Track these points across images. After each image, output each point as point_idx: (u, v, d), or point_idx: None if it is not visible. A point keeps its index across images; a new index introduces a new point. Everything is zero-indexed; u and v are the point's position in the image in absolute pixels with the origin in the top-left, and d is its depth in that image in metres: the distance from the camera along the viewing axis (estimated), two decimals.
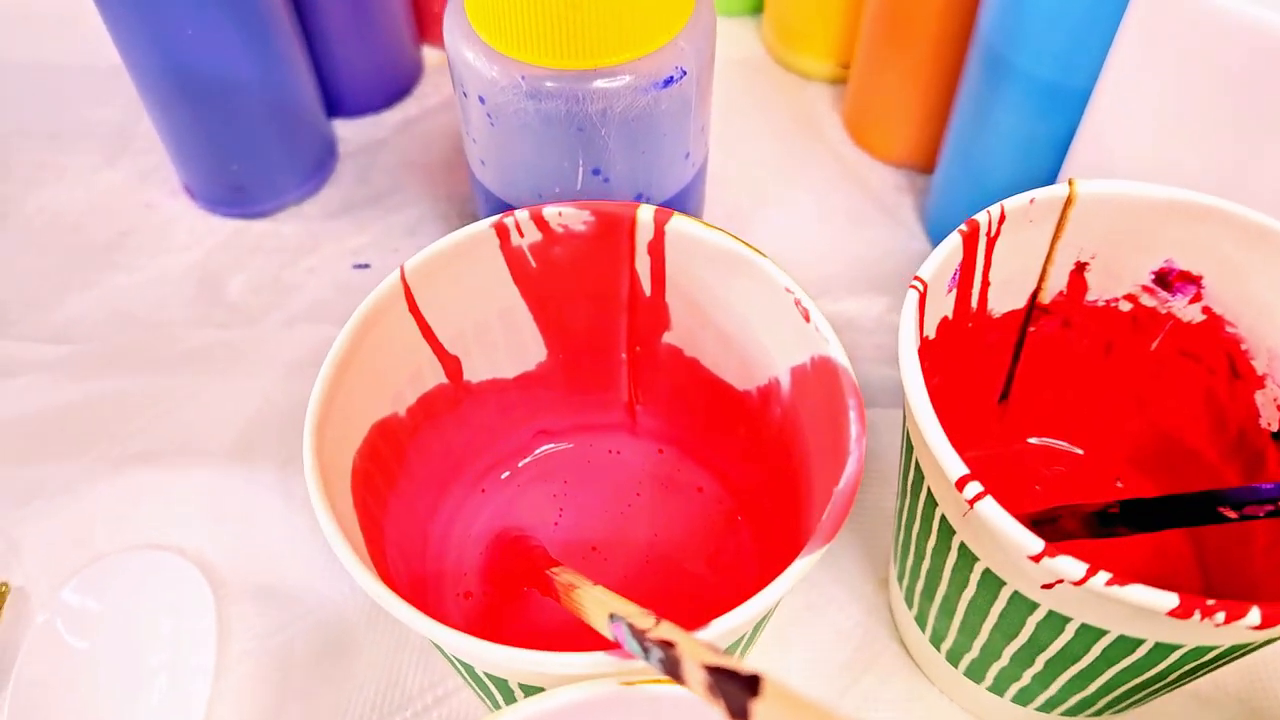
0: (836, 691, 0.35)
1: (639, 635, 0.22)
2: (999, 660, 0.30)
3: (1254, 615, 0.23)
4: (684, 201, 0.39)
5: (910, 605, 0.33)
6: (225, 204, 0.46)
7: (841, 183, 0.48)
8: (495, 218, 0.30)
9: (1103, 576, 0.24)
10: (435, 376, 0.32)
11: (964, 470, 0.26)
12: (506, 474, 0.36)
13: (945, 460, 0.26)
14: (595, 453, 0.36)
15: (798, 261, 0.45)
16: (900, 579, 0.34)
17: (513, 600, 0.33)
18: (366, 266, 0.44)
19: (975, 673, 0.32)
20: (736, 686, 0.18)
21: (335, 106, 0.49)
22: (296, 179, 0.46)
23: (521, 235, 0.30)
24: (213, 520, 0.38)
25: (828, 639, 0.36)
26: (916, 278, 0.29)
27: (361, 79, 0.49)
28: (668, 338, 0.33)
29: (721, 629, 0.23)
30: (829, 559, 0.37)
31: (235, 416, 0.40)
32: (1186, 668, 0.28)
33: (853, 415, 0.26)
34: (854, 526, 0.38)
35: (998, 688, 0.32)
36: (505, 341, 0.33)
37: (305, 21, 0.45)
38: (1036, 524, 0.33)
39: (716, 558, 0.34)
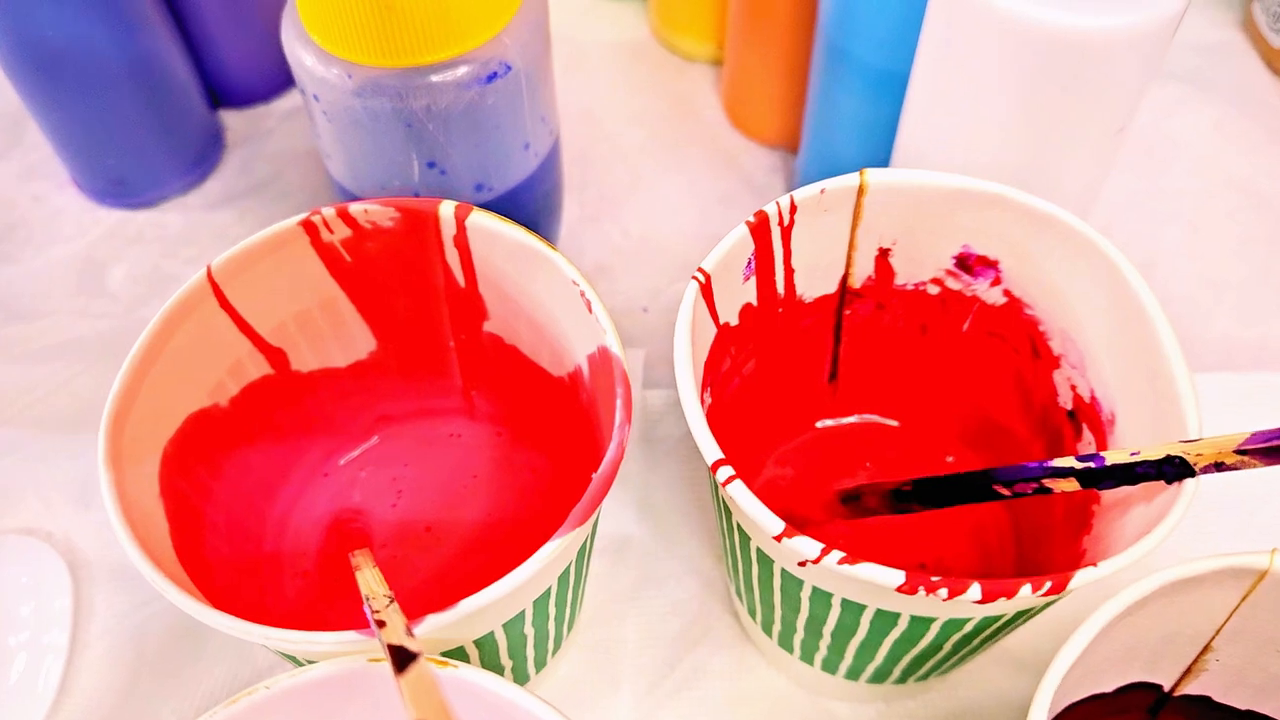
0: (668, 661, 0.36)
1: (373, 615, 0.23)
2: (797, 632, 0.32)
3: (974, 591, 0.25)
4: (530, 190, 0.40)
5: (730, 579, 0.35)
6: (109, 195, 0.47)
7: (716, 164, 0.49)
8: (303, 215, 0.31)
9: (835, 556, 0.25)
10: (259, 368, 0.33)
11: (718, 455, 0.27)
12: (347, 459, 0.37)
13: (703, 444, 0.27)
14: (435, 436, 0.37)
15: (666, 242, 0.46)
16: (722, 554, 0.35)
17: (347, 580, 0.35)
18: None
19: (785, 644, 0.33)
20: (395, 664, 0.19)
21: (222, 97, 0.50)
22: (178, 170, 0.47)
23: (331, 231, 0.32)
24: (80, 506, 0.39)
25: (663, 611, 0.37)
26: (699, 269, 0.30)
27: (244, 69, 0.50)
28: (488, 326, 0.34)
29: (466, 610, 0.24)
30: (667, 533, 0.39)
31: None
32: (955, 638, 0.29)
33: (619, 403, 0.27)
34: (693, 501, 0.39)
35: (806, 657, 0.33)
36: (332, 333, 0.34)
37: (181, 11, 0.46)
38: (844, 501, 0.35)
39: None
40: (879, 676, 0.32)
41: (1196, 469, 0.25)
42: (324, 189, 0.48)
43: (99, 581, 0.37)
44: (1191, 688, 0.30)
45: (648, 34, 0.55)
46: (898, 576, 0.25)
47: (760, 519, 0.26)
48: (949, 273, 0.34)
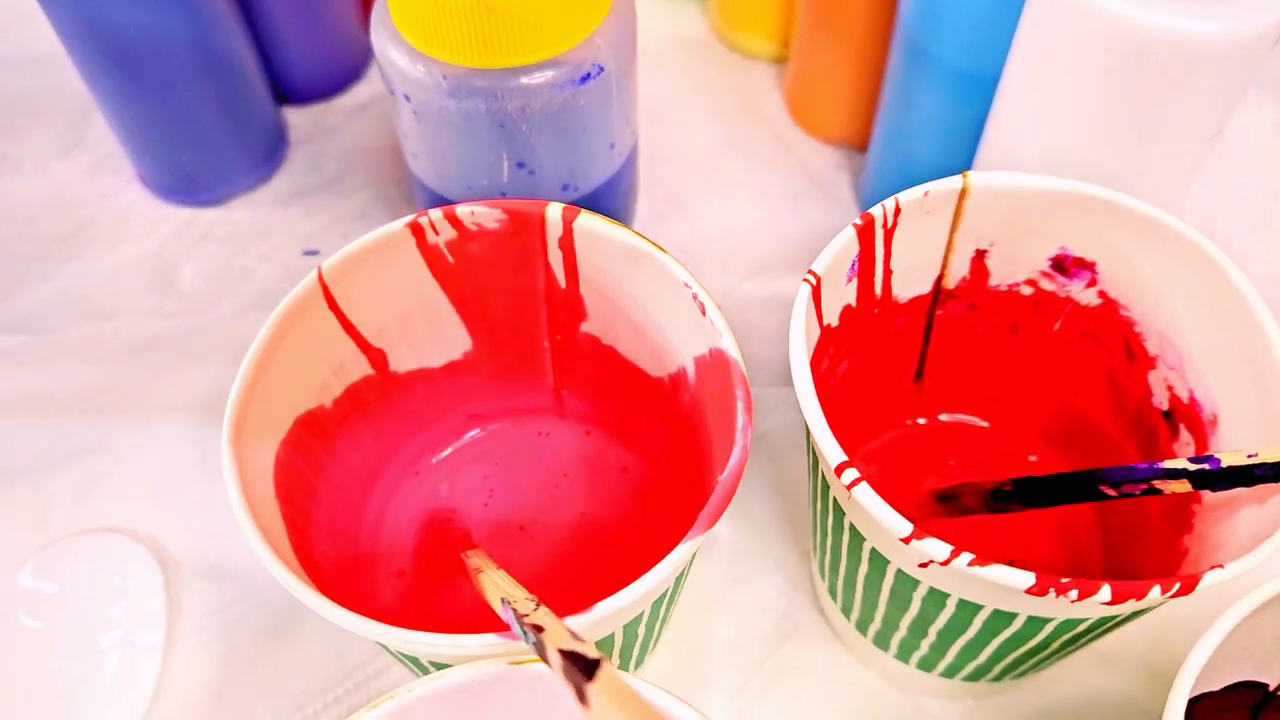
0: (758, 659, 0.37)
1: (520, 619, 0.23)
2: (898, 631, 0.32)
3: (1104, 593, 0.25)
4: (613, 189, 0.40)
5: (823, 577, 0.35)
6: (177, 192, 0.47)
7: (781, 162, 0.49)
8: (410, 217, 0.31)
9: (965, 558, 0.25)
10: (361, 369, 0.33)
11: (843, 457, 0.27)
12: (439, 458, 0.37)
13: (826, 448, 0.27)
14: (525, 436, 0.38)
15: (737, 240, 0.46)
16: (814, 552, 0.35)
17: (444, 579, 0.35)
18: (316, 253, 0.46)
19: (881, 641, 0.34)
20: (580, 670, 0.19)
21: (286, 94, 0.50)
22: (247, 167, 0.47)
23: (437, 233, 0.32)
24: (165, 503, 0.39)
25: (751, 608, 0.38)
26: (810, 271, 0.30)
27: (310, 65, 0.50)
28: (585, 327, 0.34)
29: (603, 613, 0.25)
30: (755, 531, 0.39)
31: (187, 403, 0.41)
32: (1065, 637, 0.29)
33: (740, 406, 0.27)
34: (780, 498, 0.39)
35: (902, 655, 0.34)
36: (430, 333, 0.34)
37: (250, 8, 0.46)
38: (940, 500, 0.35)
39: (640, 536, 0.36)
40: (977, 674, 0.33)
41: None
42: (392, 186, 0.48)
43: (188, 580, 0.38)
44: None
45: (708, 32, 0.55)
46: (1028, 578, 0.25)
47: (888, 521, 0.26)
48: (1044, 274, 0.34)
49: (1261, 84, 0.52)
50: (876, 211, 0.31)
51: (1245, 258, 0.45)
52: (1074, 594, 0.25)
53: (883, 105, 0.44)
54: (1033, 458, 0.39)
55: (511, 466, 0.37)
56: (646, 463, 0.37)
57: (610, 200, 0.40)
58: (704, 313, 0.29)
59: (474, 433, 0.38)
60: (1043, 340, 0.36)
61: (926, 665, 0.33)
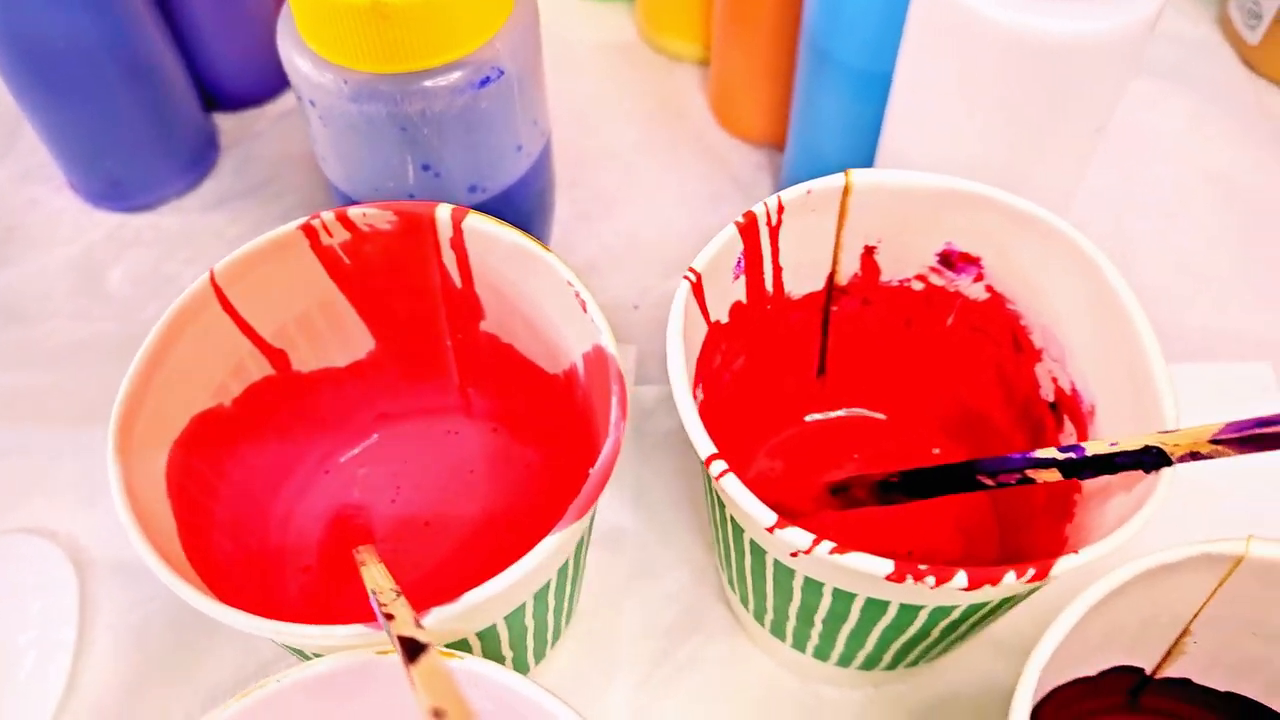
0: (664, 651, 0.37)
1: (380, 608, 0.24)
2: (789, 620, 0.33)
3: (960, 579, 0.26)
4: (524, 190, 0.41)
5: (723, 569, 0.36)
6: (106, 198, 0.47)
7: (704, 163, 0.50)
8: (302, 220, 0.32)
9: (826, 546, 0.26)
10: (261, 369, 0.34)
11: (712, 449, 0.28)
12: (348, 456, 0.38)
13: (696, 439, 0.28)
14: (433, 434, 0.38)
15: (657, 239, 0.47)
16: (714, 545, 0.36)
17: (349, 575, 0.36)
18: None
19: (778, 631, 0.34)
20: (407, 654, 0.20)
21: (215, 101, 0.51)
22: (174, 172, 0.48)
23: (331, 235, 0.32)
24: (84, 507, 0.40)
25: (657, 601, 0.38)
26: (690, 269, 0.31)
27: (238, 73, 0.50)
28: (484, 326, 0.35)
29: (471, 603, 0.25)
30: (661, 526, 0.40)
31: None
32: (943, 624, 0.30)
33: (614, 400, 0.28)
34: (686, 493, 0.40)
35: (798, 645, 0.34)
36: (332, 334, 0.35)
37: (175, 14, 0.46)
38: (834, 493, 0.36)
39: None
40: (869, 663, 0.33)
41: (1173, 459, 0.26)
42: (318, 191, 0.48)
43: (104, 579, 0.38)
44: (1172, 670, 0.31)
45: (634, 35, 0.55)
46: (887, 566, 0.26)
47: (753, 511, 0.27)
48: (933, 269, 0.35)
49: (1179, 80, 0.53)
50: (759, 209, 0.32)
51: (1159, 249, 0.46)
52: (931, 580, 0.26)
53: (793, 106, 0.45)
54: (936, 450, 0.40)
55: (419, 464, 0.38)
56: (548, 458, 0.37)
57: (522, 201, 0.41)
58: (585, 310, 0.30)
59: (382, 433, 0.38)
60: (936, 335, 0.37)
61: (821, 654, 0.34)
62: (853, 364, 0.38)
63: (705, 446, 0.28)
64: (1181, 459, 0.26)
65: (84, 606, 0.37)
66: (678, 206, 0.48)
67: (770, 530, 0.27)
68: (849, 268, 0.35)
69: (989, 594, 0.27)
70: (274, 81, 0.51)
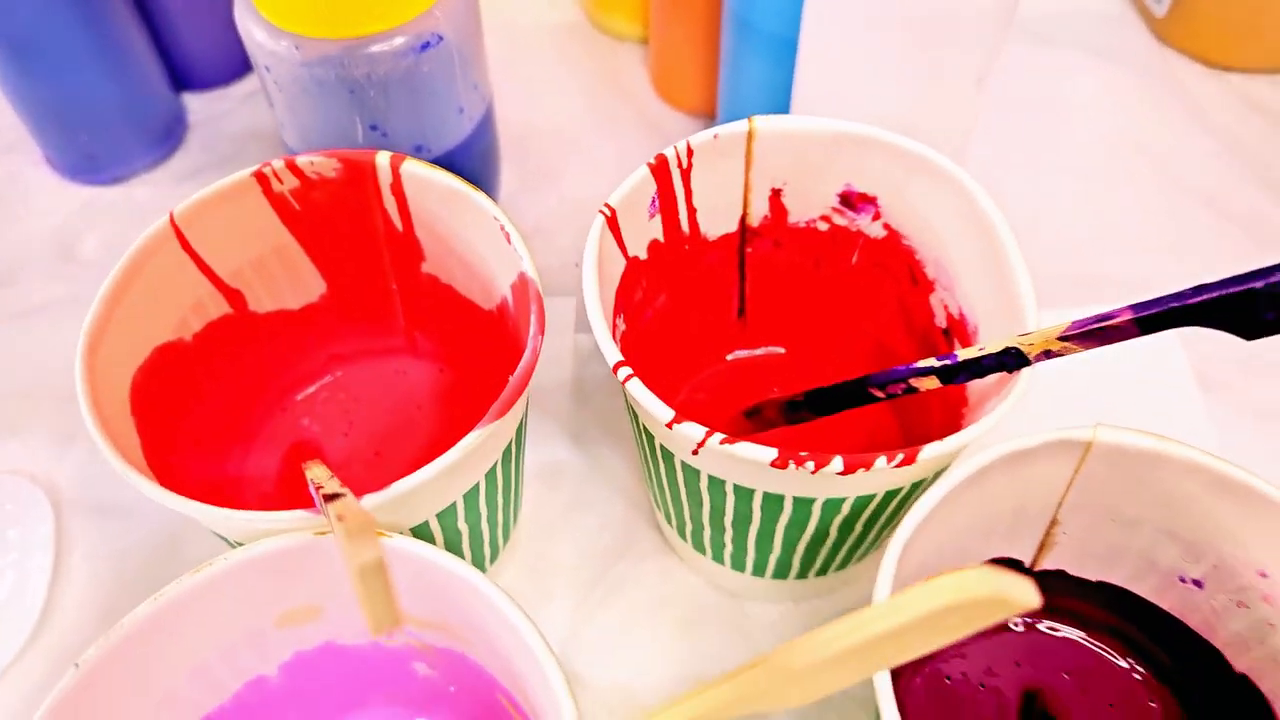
0: (599, 573, 0.40)
1: (318, 490, 0.27)
2: (705, 530, 0.36)
3: (837, 463, 0.29)
4: (467, 151, 0.44)
5: (650, 492, 0.39)
6: (80, 172, 0.51)
7: (644, 133, 0.53)
8: (255, 167, 0.35)
9: (718, 438, 0.29)
10: (219, 308, 0.37)
11: (619, 357, 0.31)
12: (303, 395, 0.41)
13: (605, 348, 0.31)
14: (383, 374, 0.41)
15: (600, 204, 0.50)
16: (642, 468, 0.39)
17: (306, 499, 0.39)
18: None
19: (698, 544, 0.37)
20: (327, 501, 0.23)
21: (184, 82, 0.54)
22: (145, 147, 0.51)
23: (281, 182, 0.35)
24: (58, 453, 0.43)
25: (593, 529, 0.41)
26: (606, 204, 0.34)
27: (205, 55, 0.53)
28: (425, 268, 0.38)
29: (399, 490, 0.28)
30: (598, 461, 0.43)
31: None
32: (837, 521, 0.33)
33: (533, 318, 0.31)
34: (622, 431, 0.43)
35: (716, 556, 0.37)
36: (285, 277, 0.38)
37: (144, 1, 0.50)
38: (748, 416, 0.39)
39: None
40: (781, 569, 0.36)
41: (1030, 357, 0.29)
42: None
43: (79, 517, 0.41)
44: (1047, 562, 0.34)
45: (580, 16, 0.59)
46: (771, 453, 0.29)
47: (654, 410, 0.30)
48: (835, 210, 0.38)
49: (1091, 51, 0.56)
50: (669, 152, 0.35)
51: (1072, 207, 0.50)
52: (811, 465, 0.29)
53: (721, 74, 0.48)
54: None
55: (369, 402, 0.41)
56: (489, 391, 0.40)
57: (466, 162, 0.44)
58: (509, 241, 0.33)
59: (336, 373, 0.41)
60: (843, 273, 0.40)
61: (737, 564, 0.37)
62: (770, 304, 0.41)
63: (612, 354, 0.31)
64: (1038, 357, 0.29)
65: (60, 539, 0.40)
66: (619, 174, 0.51)
67: (669, 425, 0.30)
68: (759, 210, 0.38)
69: (867, 481, 0.30)
70: (238, 64, 0.55)
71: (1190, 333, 0.43)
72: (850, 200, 0.37)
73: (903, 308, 0.39)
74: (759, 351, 0.43)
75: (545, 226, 0.49)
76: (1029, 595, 0.18)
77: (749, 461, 0.29)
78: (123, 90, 0.48)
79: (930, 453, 0.29)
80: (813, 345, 0.43)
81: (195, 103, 0.54)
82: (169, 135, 0.52)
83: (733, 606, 0.40)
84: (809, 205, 0.38)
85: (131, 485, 0.28)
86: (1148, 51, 0.56)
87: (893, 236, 0.38)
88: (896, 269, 0.38)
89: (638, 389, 0.30)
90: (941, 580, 0.18)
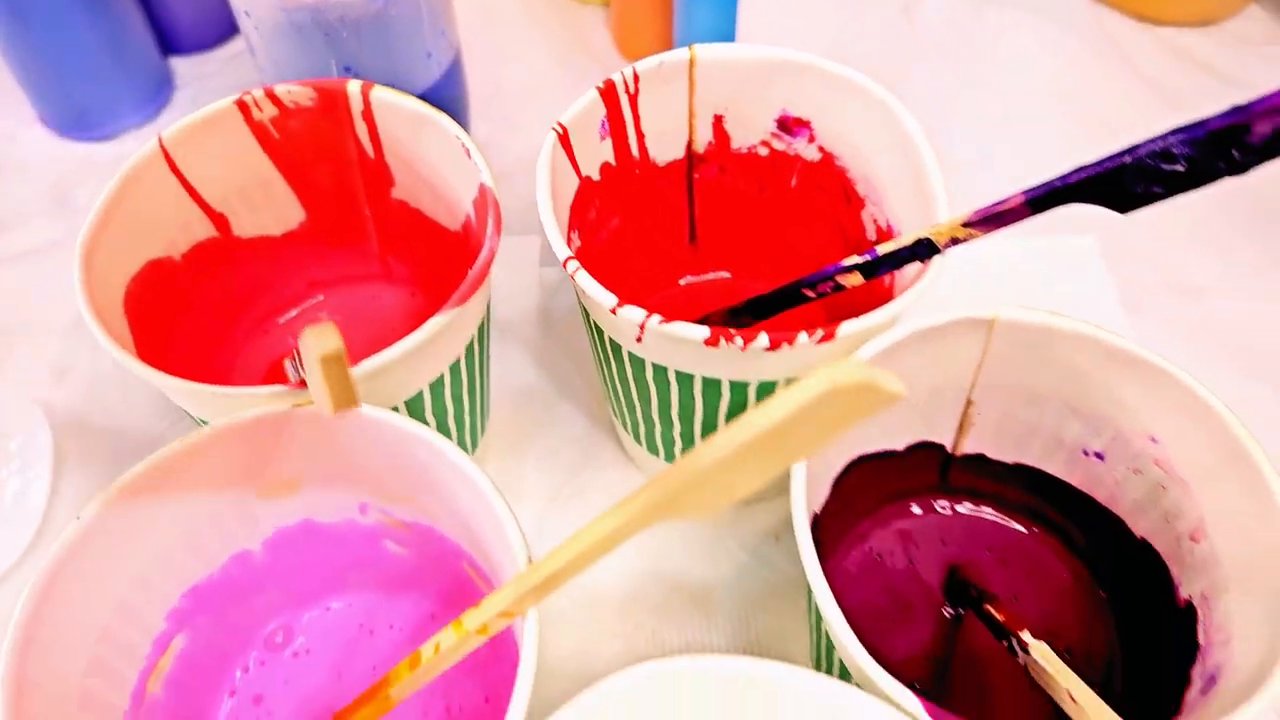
0: (562, 482, 0.43)
1: (296, 358, 0.30)
2: (655, 425, 0.39)
3: (763, 339, 0.32)
4: (436, 96, 0.47)
5: (607, 400, 0.42)
6: (73, 128, 0.54)
7: None
8: (236, 95, 0.38)
9: (656, 318, 0.32)
10: (205, 230, 0.40)
11: (568, 252, 0.34)
12: (285, 318, 0.44)
13: (554, 243, 0.34)
14: (360, 299, 0.44)
15: None
16: (599, 379, 0.42)
17: None
18: None
19: (651, 445, 0.40)
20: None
21: (172, 47, 0.57)
22: (134, 105, 0.54)
23: (260, 110, 0.38)
24: (57, 378, 0.46)
25: (558, 445, 0.44)
26: (558, 122, 0.37)
27: (191, 19, 0.57)
28: (395, 193, 0.41)
29: (367, 368, 0.31)
30: (564, 384, 0.46)
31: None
32: None
33: (490, 221, 0.34)
34: (586, 359, 0.46)
35: (668, 454, 0.40)
36: (267, 204, 0.41)
37: None
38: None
39: None
40: None
41: (940, 245, 0.32)
42: None
43: (73, 435, 0.44)
44: (968, 445, 0.37)
45: None
46: (704, 331, 0.32)
47: (599, 297, 0.33)
48: (773, 135, 0.41)
49: (1030, 10, 0.59)
50: (616, 77, 0.39)
51: (1010, 152, 0.53)
52: (740, 341, 0.32)
53: (674, 30, 0.51)
54: None
55: (347, 325, 0.44)
56: None
57: (435, 106, 0.47)
58: (469, 155, 0.36)
59: (315, 298, 0.44)
60: (785, 197, 0.43)
61: None
62: (719, 230, 0.45)
63: (561, 250, 0.34)
64: (946, 245, 0.32)
65: (56, 453, 0.43)
66: None
67: (613, 311, 0.33)
68: (703, 136, 0.42)
69: (794, 361, 0.33)
70: (223, 28, 0.58)
71: (1115, 256, 0.46)
72: (787, 125, 0.41)
73: (839, 227, 0.42)
74: (709, 276, 0.46)
75: (510, 172, 0.52)
76: (895, 383, 0.21)
77: (685, 341, 0.32)
78: (113, 50, 0.52)
79: (849, 329, 0.32)
80: (758, 269, 0.46)
81: (182, 65, 0.58)
82: (158, 94, 0.55)
83: None
84: (749, 131, 0.41)
85: (122, 365, 0.31)
86: (1082, 8, 0.60)
87: (827, 158, 0.41)
88: (831, 189, 0.41)
89: (585, 280, 0.33)
90: (818, 372, 0.21)
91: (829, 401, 0.21)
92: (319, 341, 0.25)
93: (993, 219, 0.31)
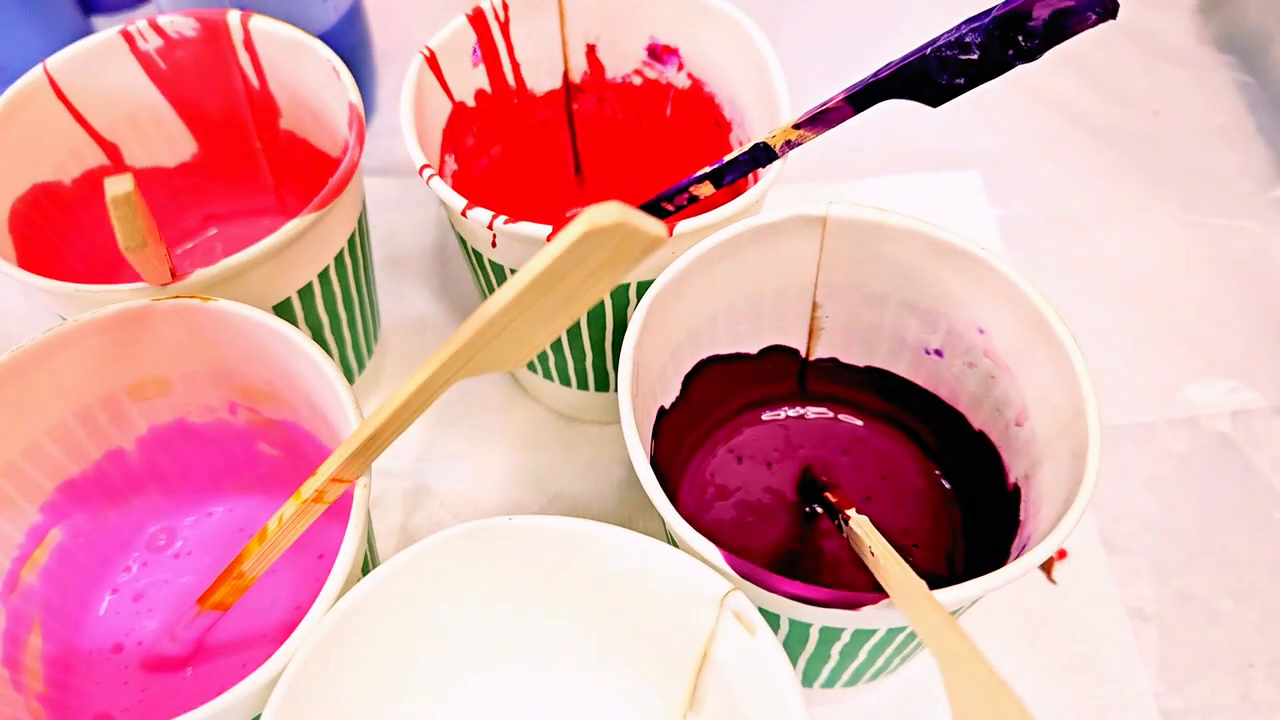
0: (450, 401, 0.45)
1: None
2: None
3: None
4: (335, 41, 0.48)
5: None
6: None
7: None
8: (121, 25, 0.40)
9: (502, 219, 0.34)
10: (96, 158, 0.41)
11: (424, 160, 0.36)
12: (182, 249, 0.46)
13: (411, 148, 0.36)
14: (253, 232, 0.46)
15: None
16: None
17: None
18: None
19: (531, 365, 0.42)
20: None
21: (93, 4, 0.59)
22: None
23: (146, 41, 0.40)
24: None
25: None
26: (426, 46, 0.39)
27: None
28: (283, 124, 0.43)
29: (232, 262, 0.33)
30: (454, 311, 0.48)
31: None
32: (629, 310, 0.37)
33: (354, 130, 0.36)
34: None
35: (545, 373, 0.42)
36: (158, 134, 0.43)
37: None
38: None
39: None
40: (601, 379, 0.41)
41: (776, 149, 0.34)
42: None
43: None
44: (820, 350, 0.39)
45: None
46: (546, 229, 0.34)
47: (449, 199, 0.34)
48: (645, 64, 0.43)
49: None
50: (485, 4, 0.40)
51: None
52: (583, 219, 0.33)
53: None
54: None
55: None
56: None
57: (336, 52, 0.48)
58: (339, 76, 0.38)
59: (210, 231, 0.46)
60: (661, 127, 0.45)
61: (563, 378, 0.42)
62: (602, 161, 0.46)
63: (418, 157, 0.36)
64: (782, 149, 0.34)
65: None
66: None
67: (464, 214, 0.34)
68: (578, 65, 0.43)
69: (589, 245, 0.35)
70: None
71: (998, 192, 0.48)
72: (657, 53, 0.42)
73: (713, 152, 0.44)
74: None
75: None
76: (653, 224, 0.22)
77: (532, 240, 0.34)
78: (32, 6, 0.53)
79: (686, 226, 0.34)
80: (640, 199, 0.47)
81: (104, 24, 0.59)
82: None
83: (567, 427, 0.44)
84: (622, 59, 0.43)
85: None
86: None
87: (696, 85, 0.42)
88: (702, 115, 0.43)
89: (439, 185, 0.35)
90: (579, 216, 0.22)
91: (593, 243, 0.22)
92: (111, 185, 0.26)
93: (818, 119, 0.33)
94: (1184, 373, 0.45)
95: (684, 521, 0.28)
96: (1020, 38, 0.29)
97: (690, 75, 0.42)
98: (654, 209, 0.39)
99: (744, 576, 0.28)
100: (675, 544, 0.31)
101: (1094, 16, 0.28)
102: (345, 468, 0.28)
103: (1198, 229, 0.50)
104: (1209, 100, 0.55)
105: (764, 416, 0.40)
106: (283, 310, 0.36)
